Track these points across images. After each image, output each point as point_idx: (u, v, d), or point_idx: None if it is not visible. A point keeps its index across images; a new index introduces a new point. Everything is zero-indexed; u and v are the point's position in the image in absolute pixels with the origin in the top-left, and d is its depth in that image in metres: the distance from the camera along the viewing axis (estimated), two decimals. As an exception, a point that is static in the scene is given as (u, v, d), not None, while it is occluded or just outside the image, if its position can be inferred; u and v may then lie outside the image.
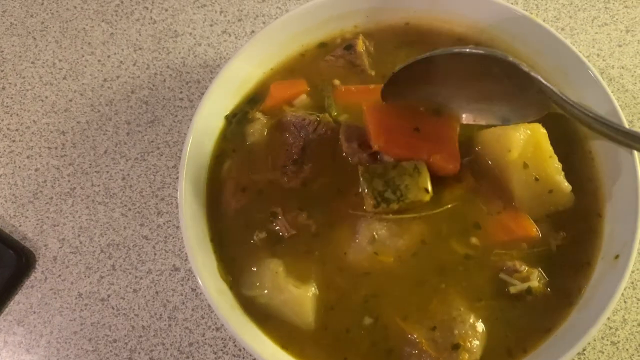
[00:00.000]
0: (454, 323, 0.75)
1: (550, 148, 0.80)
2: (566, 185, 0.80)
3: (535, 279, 0.77)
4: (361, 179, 0.80)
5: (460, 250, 0.80)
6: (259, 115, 0.89)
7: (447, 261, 0.80)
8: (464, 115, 0.84)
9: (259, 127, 0.88)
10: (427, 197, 0.79)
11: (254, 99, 0.91)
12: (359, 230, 0.80)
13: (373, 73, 0.91)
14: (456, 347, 0.74)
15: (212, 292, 0.76)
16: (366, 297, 0.79)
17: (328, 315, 0.78)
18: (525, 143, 0.80)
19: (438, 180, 0.81)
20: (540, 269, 0.79)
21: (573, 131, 0.87)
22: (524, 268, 0.78)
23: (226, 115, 0.89)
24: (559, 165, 0.80)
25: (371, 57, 0.93)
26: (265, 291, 0.78)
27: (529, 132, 0.81)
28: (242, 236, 0.83)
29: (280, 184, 0.85)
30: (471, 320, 0.76)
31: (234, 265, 0.81)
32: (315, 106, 0.90)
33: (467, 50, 0.78)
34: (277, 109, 0.89)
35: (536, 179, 0.80)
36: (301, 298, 0.78)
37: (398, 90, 0.82)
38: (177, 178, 0.83)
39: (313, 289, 0.79)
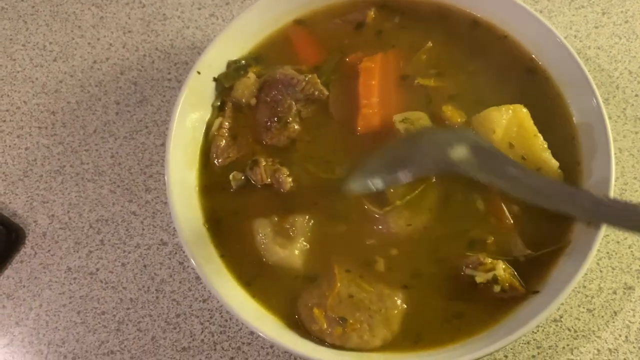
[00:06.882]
0: (366, 309, 0.77)
1: (535, 127, 0.82)
2: (554, 162, 0.80)
3: (501, 269, 0.76)
4: None
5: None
6: (252, 74, 0.91)
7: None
8: None
9: (248, 84, 0.90)
10: None
11: (259, 58, 0.94)
12: None
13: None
14: (343, 320, 0.76)
15: (199, 259, 0.79)
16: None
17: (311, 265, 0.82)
18: (508, 123, 0.81)
19: None
20: (504, 261, 0.78)
21: (555, 111, 0.88)
22: (488, 260, 0.77)
23: (230, 61, 0.93)
24: (544, 144, 0.81)
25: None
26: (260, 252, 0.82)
27: (510, 112, 0.82)
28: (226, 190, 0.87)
29: (263, 141, 0.88)
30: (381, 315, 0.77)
31: (224, 233, 0.85)
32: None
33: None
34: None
35: (523, 158, 0.80)
36: (289, 258, 0.81)
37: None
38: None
39: (300, 244, 0.82)
